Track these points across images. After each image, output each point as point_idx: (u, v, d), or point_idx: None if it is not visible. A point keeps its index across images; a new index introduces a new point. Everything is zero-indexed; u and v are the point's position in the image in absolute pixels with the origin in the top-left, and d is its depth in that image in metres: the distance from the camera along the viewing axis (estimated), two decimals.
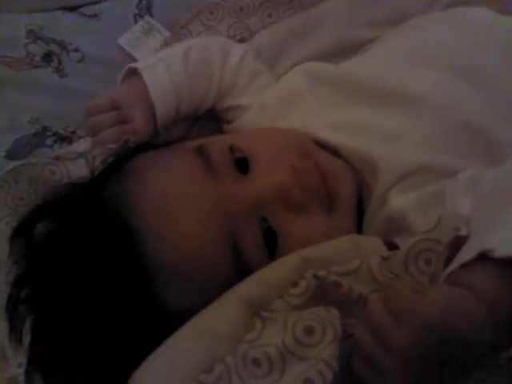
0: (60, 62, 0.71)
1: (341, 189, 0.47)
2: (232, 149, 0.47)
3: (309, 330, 0.33)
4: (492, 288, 0.30)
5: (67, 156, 0.54)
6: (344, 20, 0.63)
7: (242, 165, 0.46)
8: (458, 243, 0.34)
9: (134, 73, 0.60)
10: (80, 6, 0.75)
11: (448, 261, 0.34)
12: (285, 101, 0.58)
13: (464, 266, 0.31)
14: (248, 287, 0.38)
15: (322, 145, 0.51)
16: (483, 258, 0.30)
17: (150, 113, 0.57)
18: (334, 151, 0.50)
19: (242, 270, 0.42)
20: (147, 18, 0.73)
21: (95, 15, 0.74)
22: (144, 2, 0.74)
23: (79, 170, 0.52)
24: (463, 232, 0.34)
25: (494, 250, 0.30)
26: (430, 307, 0.29)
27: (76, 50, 0.71)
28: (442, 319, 0.29)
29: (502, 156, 0.46)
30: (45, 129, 0.67)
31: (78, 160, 0.53)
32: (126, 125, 0.57)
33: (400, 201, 0.45)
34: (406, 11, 0.62)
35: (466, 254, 0.32)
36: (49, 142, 0.67)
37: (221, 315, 0.37)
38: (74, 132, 0.67)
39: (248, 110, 0.60)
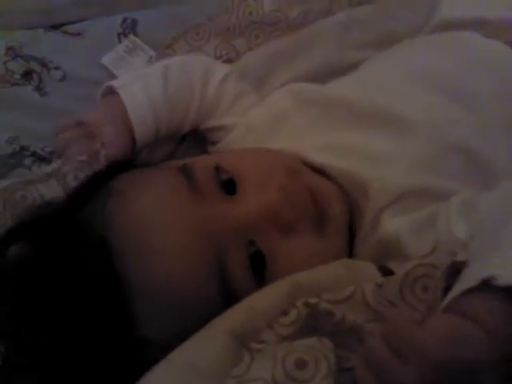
0: (41, 81, 0.69)
1: (331, 209, 0.45)
2: (217, 169, 0.45)
3: (300, 364, 0.31)
4: (495, 317, 0.28)
5: (37, 179, 0.52)
6: (333, 42, 0.63)
7: (228, 185, 0.44)
8: (454, 269, 0.33)
9: (111, 91, 0.58)
10: (63, 25, 0.74)
11: (444, 288, 0.33)
12: (271, 122, 0.57)
13: (464, 293, 0.30)
14: (235, 316, 0.36)
15: (309, 167, 0.50)
16: (484, 284, 0.29)
17: (123, 130, 0.56)
18: (322, 173, 0.49)
19: (228, 296, 0.40)
20: (132, 37, 0.72)
21: (78, 34, 0.73)
22: (128, 21, 0.73)
23: (51, 191, 0.50)
24: (460, 257, 0.32)
25: (498, 277, 0.28)
26: (434, 341, 0.28)
27: (57, 68, 0.70)
28: (446, 353, 0.27)
29: (495, 178, 0.45)
30: (23, 148, 0.65)
31: (48, 181, 0.51)
32: (93, 139, 0.55)
33: (393, 224, 0.44)
34: (396, 33, 0.62)
35: (467, 281, 0.30)
36: (27, 162, 0.65)
37: (205, 347, 0.35)
38: (52, 152, 0.65)
39: (233, 131, 0.58)
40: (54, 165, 0.54)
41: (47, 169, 0.54)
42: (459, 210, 0.40)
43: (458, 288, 0.30)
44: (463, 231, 0.37)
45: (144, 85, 0.58)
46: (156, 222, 0.41)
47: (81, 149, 0.53)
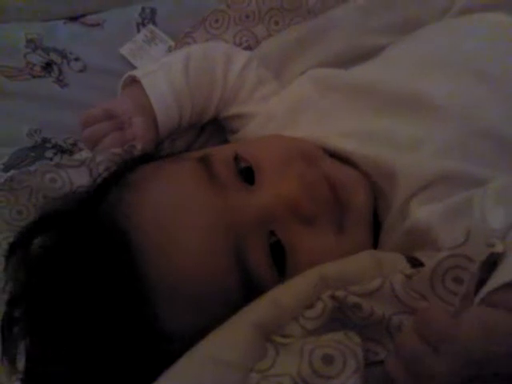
0: (61, 72, 0.69)
1: (353, 199, 0.44)
2: (236, 158, 0.44)
3: (328, 359, 0.30)
4: None
5: (69, 163, 0.51)
6: (355, 27, 0.61)
7: (248, 175, 0.44)
8: (490, 260, 0.31)
9: (133, 81, 0.58)
10: (82, 16, 0.74)
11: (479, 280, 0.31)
12: (293, 109, 0.55)
13: (502, 286, 0.28)
14: (259, 309, 0.35)
15: (333, 154, 0.48)
16: None
17: (150, 120, 0.55)
18: (346, 160, 0.48)
19: (249, 289, 0.39)
20: (150, 26, 0.71)
21: (97, 24, 0.72)
22: (147, 11, 0.72)
23: (81, 178, 0.50)
24: (498, 248, 0.31)
25: None
26: (470, 334, 0.26)
27: (77, 60, 0.69)
28: (483, 347, 0.26)
29: None
30: (44, 141, 0.65)
31: (80, 168, 0.51)
32: (125, 131, 0.54)
33: (423, 212, 0.42)
34: (419, 18, 0.59)
35: (506, 273, 0.29)
36: (48, 154, 0.65)
37: (228, 341, 0.34)
38: (74, 144, 0.65)
39: (253, 119, 0.57)
40: (86, 154, 0.54)
41: (80, 156, 0.53)
42: (496, 197, 0.38)
43: (496, 281, 0.29)
44: (500, 220, 0.35)
45: (166, 74, 0.57)
46: (175, 215, 0.40)
47: (113, 141, 0.53)
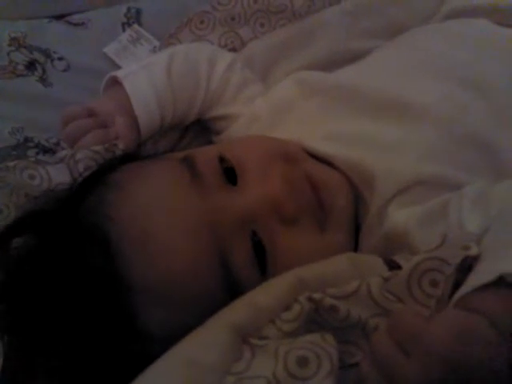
0: (44, 71, 0.68)
1: (335, 200, 0.44)
2: (221, 159, 0.44)
3: (303, 361, 0.30)
4: (508, 313, 0.27)
5: (48, 160, 0.50)
6: (340, 30, 0.61)
7: (231, 175, 0.43)
8: (465, 263, 0.32)
9: (115, 82, 0.57)
10: (67, 15, 0.73)
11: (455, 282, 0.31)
12: (277, 111, 0.55)
13: (477, 288, 0.28)
14: (236, 311, 0.35)
15: (315, 156, 0.48)
16: (497, 281, 0.28)
17: (132, 121, 0.55)
18: (328, 163, 0.48)
19: (231, 289, 0.39)
20: (135, 26, 0.71)
21: (82, 23, 0.72)
22: (133, 11, 0.72)
23: (60, 175, 0.49)
24: (473, 252, 0.31)
25: None
26: (442, 337, 0.27)
27: (61, 59, 0.69)
28: (455, 350, 0.26)
29: (507, 169, 0.43)
30: (26, 140, 0.64)
31: (58, 164, 0.50)
32: (108, 129, 0.54)
33: (401, 215, 0.42)
34: (405, 22, 0.60)
35: (482, 276, 0.29)
36: (31, 153, 0.64)
37: (205, 342, 0.34)
38: (57, 143, 0.64)
39: (237, 120, 0.57)
40: (65, 152, 0.53)
41: (60, 154, 0.52)
42: (472, 201, 0.38)
43: (471, 283, 0.29)
44: (476, 224, 0.36)
45: (148, 74, 0.56)
46: (156, 215, 0.40)
47: (95, 139, 0.52)
